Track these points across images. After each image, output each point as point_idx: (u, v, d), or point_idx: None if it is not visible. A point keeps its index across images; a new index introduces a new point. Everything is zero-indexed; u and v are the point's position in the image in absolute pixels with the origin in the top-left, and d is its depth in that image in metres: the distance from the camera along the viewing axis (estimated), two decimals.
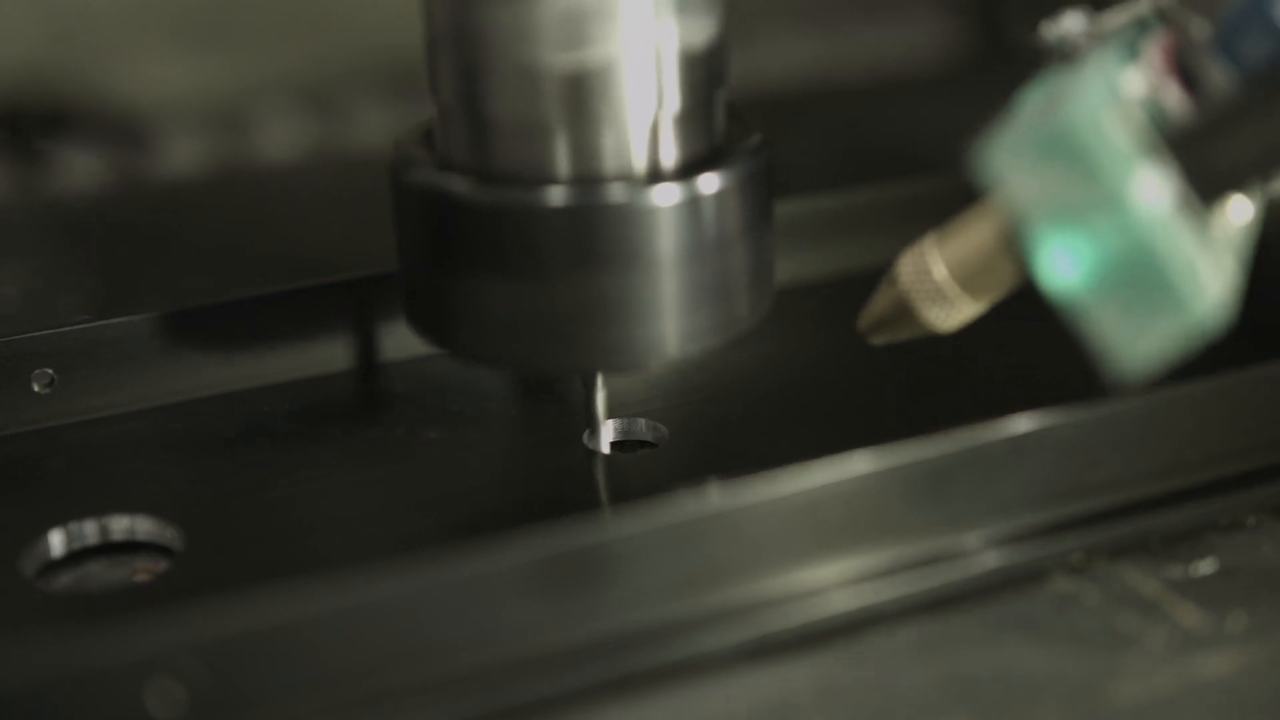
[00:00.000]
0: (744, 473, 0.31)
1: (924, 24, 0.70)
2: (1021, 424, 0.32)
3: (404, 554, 0.29)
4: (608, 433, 0.35)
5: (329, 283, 0.39)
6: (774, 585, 0.31)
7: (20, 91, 0.62)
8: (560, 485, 0.34)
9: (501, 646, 0.29)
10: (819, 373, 0.39)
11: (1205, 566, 0.32)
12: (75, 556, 0.33)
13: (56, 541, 0.33)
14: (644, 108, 0.31)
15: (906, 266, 0.31)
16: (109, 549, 0.33)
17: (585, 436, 0.36)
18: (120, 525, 0.33)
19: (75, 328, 0.37)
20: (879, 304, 0.32)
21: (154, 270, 0.46)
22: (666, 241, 0.31)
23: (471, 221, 0.31)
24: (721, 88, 0.32)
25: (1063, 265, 0.29)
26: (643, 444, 0.36)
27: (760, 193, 0.33)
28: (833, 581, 0.31)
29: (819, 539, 0.31)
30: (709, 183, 0.31)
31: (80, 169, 0.60)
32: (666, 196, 0.31)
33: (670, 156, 0.31)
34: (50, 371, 0.36)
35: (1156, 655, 0.30)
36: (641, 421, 0.36)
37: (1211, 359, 0.34)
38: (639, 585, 0.30)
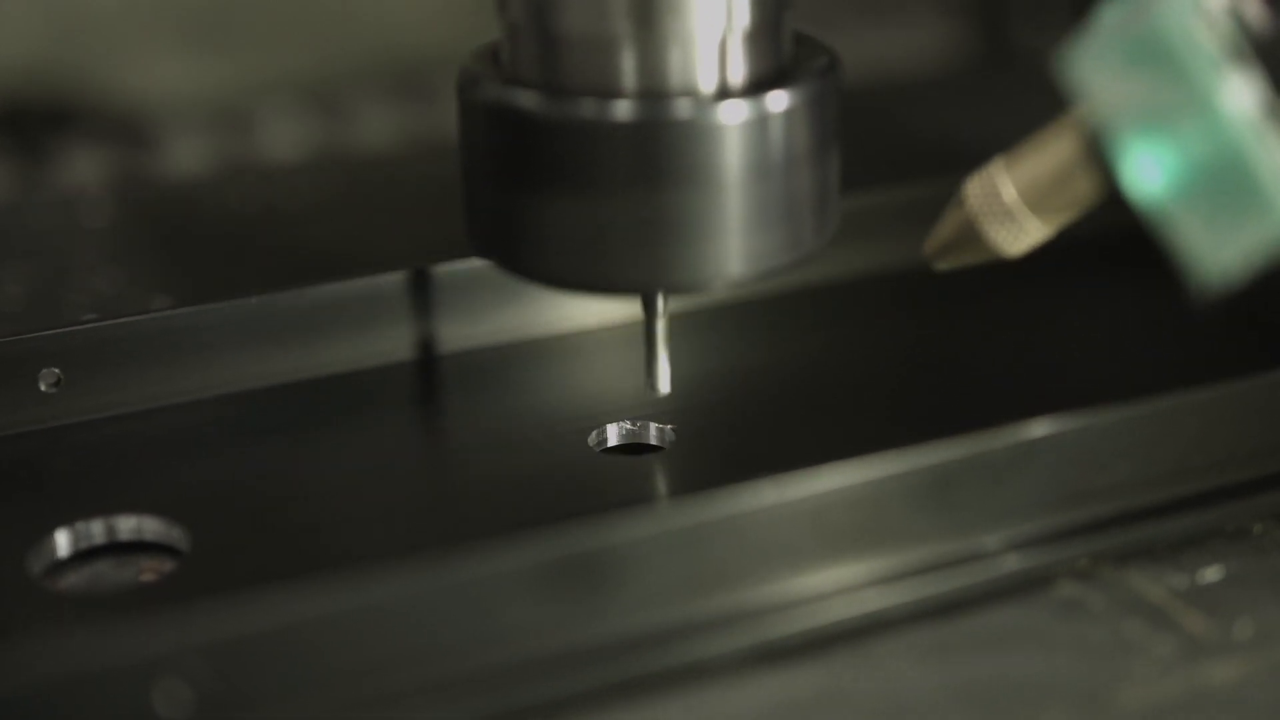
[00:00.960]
0: (750, 477, 0.31)
1: (926, 26, 0.70)
2: (1028, 429, 0.32)
3: (410, 555, 0.29)
4: (665, 366, 0.35)
5: (333, 284, 0.38)
6: (780, 590, 0.31)
7: (23, 90, 0.62)
8: (567, 488, 0.34)
9: (507, 648, 0.29)
10: (826, 377, 0.39)
11: (1212, 573, 0.32)
12: (82, 556, 0.33)
13: (63, 541, 0.33)
14: (712, 23, 0.31)
15: (974, 188, 0.32)
16: (116, 549, 0.33)
17: (591, 438, 0.36)
18: (127, 525, 0.33)
19: (82, 327, 0.37)
20: (945, 227, 0.33)
21: (160, 269, 0.46)
22: (732, 159, 0.31)
23: (538, 135, 0.31)
24: (789, 8, 0.33)
25: (1148, 172, 0.29)
26: (650, 448, 0.36)
27: (827, 114, 0.33)
28: (839, 586, 0.31)
29: (825, 544, 0.31)
30: (776, 101, 0.32)
31: (83, 167, 0.60)
32: (733, 113, 0.31)
33: (738, 74, 0.32)
34: (57, 371, 0.36)
35: (1163, 662, 0.30)
36: (650, 425, 0.36)
37: (1218, 365, 0.34)
38: (645, 589, 0.30)
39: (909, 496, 0.31)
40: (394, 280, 0.39)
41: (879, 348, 0.40)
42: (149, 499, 0.34)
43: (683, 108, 0.31)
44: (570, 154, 0.31)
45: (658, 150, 0.31)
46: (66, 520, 0.33)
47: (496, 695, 0.29)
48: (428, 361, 0.39)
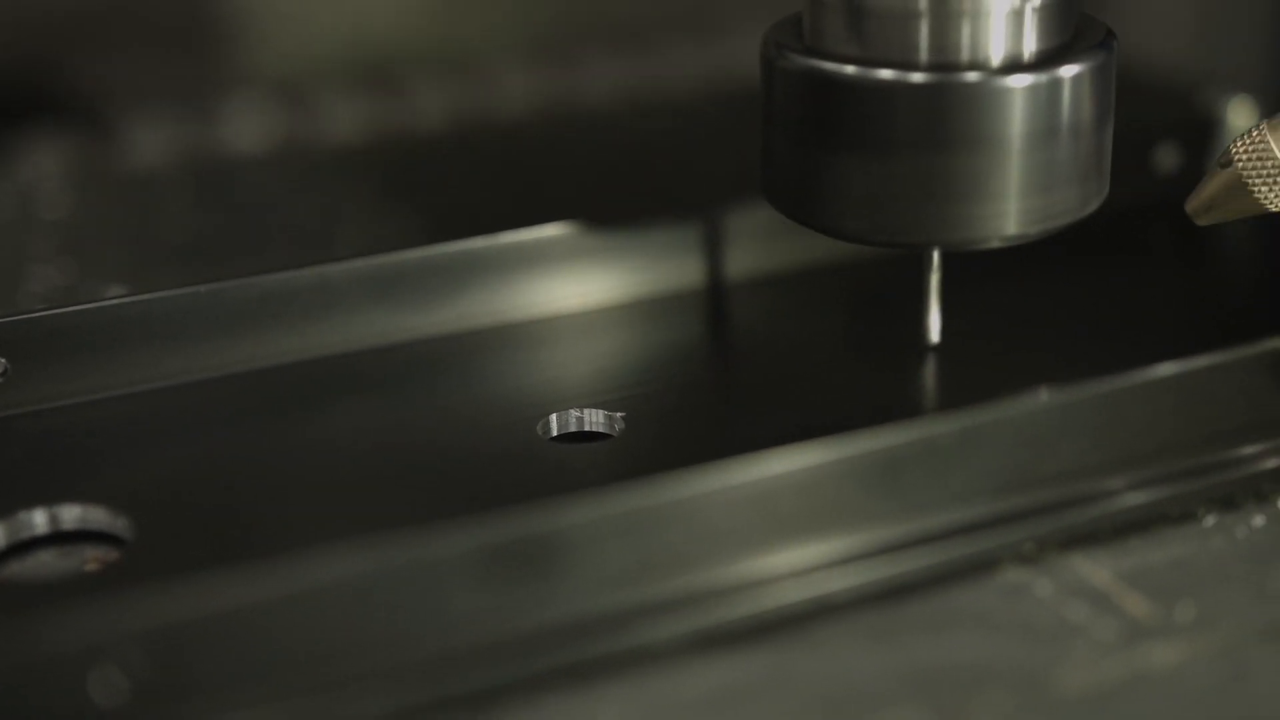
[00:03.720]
0: (696, 463, 0.31)
1: None
2: (974, 414, 0.32)
3: (354, 541, 0.29)
4: (937, 319, 0.38)
5: (283, 273, 0.38)
6: (727, 574, 0.31)
7: None
8: (515, 476, 0.34)
9: (452, 633, 0.29)
10: (774, 363, 0.39)
11: (1156, 558, 0.33)
12: (25, 546, 0.33)
13: (4, 531, 0.33)
14: (1004, 1, 0.34)
15: (1241, 149, 0.34)
16: (60, 538, 0.33)
17: (540, 426, 0.36)
18: (71, 514, 0.33)
19: (30, 316, 0.37)
20: (1210, 187, 0.35)
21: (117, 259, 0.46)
22: (1013, 126, 0.34)
23: (842, 100, 0.34)
24: None
25: None
26: (600, 435, 0.36)
27: (1105, 87, 0.35)
28: (786, 571, 0.31)
29: (772, 528, 0.31)
30: (1060, 71, 0.34)
31: (47, 157, 0.59)
32: (1021, 81, 0.34)
33: (1023, 46, 0.34)
34: (3, 360, 0.36)
35: (1104, 645, 0.30)
36: (599, 413, 0.36)
37: (1163, 350, 0.34)
38: (590, 574, 0.30)
39: (856, 481, 0.32)
40: (344, 269, 0.39)
41: (826, 335, 0.40)
42: (95, 488, 0.33)
43: (977, 74, 0.34)
44: (871, 117, 0.34)
45: (950, 113, 0.34)
46: (10, 510, 0.33)
47: (441, 680, 0.29)
48: (376, 351, 0.39)
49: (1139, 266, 0.43)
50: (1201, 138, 0.47)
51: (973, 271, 0.39)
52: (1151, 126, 0.46)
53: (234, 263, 0.46)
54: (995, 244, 0.35)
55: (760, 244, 0.42)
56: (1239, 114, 0.47)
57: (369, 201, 0.50)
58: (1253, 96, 0.48)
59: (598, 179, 0.51)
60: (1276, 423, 0.34)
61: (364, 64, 0.66)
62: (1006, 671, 0.30)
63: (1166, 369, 0.33)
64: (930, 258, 0.38)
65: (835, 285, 0.42)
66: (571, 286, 0.40)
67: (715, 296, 0.42)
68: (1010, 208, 0.34)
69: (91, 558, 0.32)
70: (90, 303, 0.37)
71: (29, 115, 0.61)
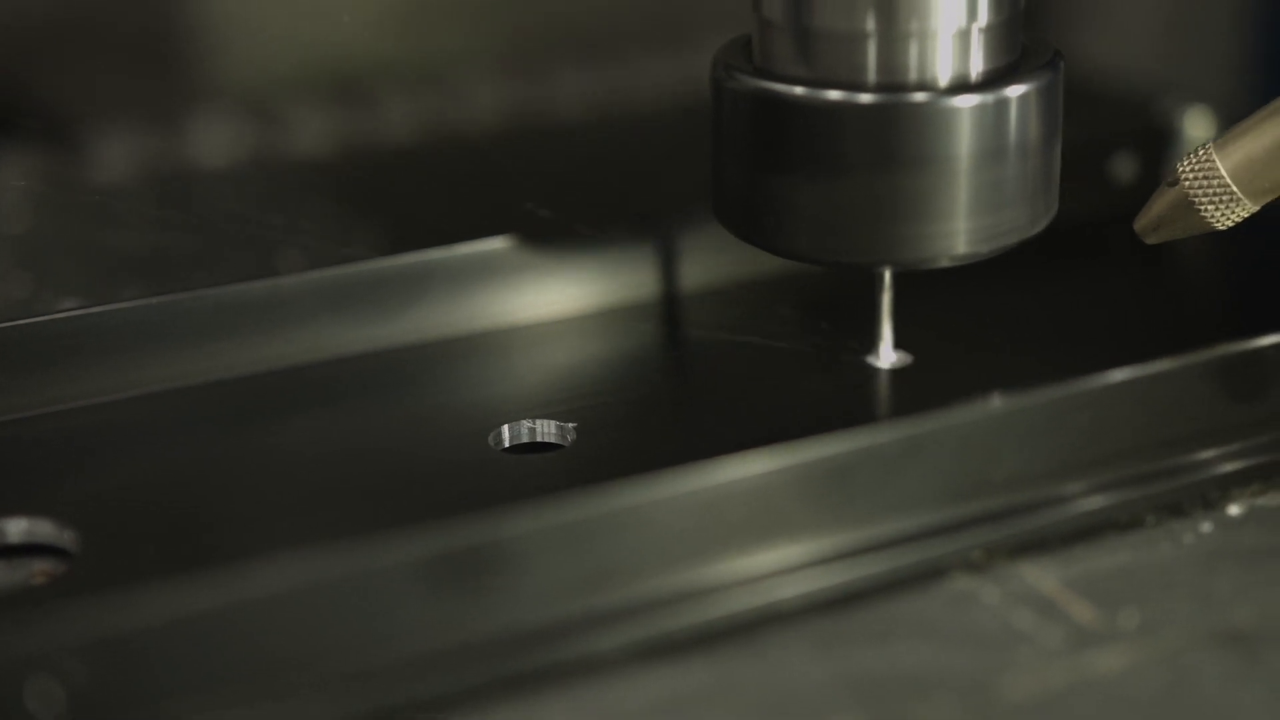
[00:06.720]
0: (642, 472, 0.31)
1: None
2: (921, 422, 0.32)
3: (302, 551, 0.29)
4: (889, 338, 0.38)
5: (236, 285, 0.38)
6: (673, 583, 0.31)
7: None
8: (465, 487, 0.34)
9: (397, 644, 0.29)
10: (725, 373, 0.39)
11: (1103, 564, 0.33)
12: None
13: None
14: (949, 22, 0.34)
15: (1188, 169, 0.34)
16: (7, 552, 0.33)
17: (491, 437, 0.36)
18: (17, 528, 0.33)
19: None
20: (1158, 206, 0.35)
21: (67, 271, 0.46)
22: (960, 145, 0.34)
23: (790, 121, 0.34)
24: (1020, 9, 0.36)
25: None
26: (552, 446, 0.36)
27: (1052, 106, 0.35)
28: (733, 579, 0.31)
29: (720, 537, 0.31)
30: (1006, 91, 0.34)
31: (5, 169, 0.59)
32: (968, 101, 0.34)
33: (976, 65, 0.35)
34: None
35: (1050, 652, 0.30)
36: (551, 424, 0.36)
37: (1108, 358, 0.34)
38: (540, 583, 0.30)
39: (805, 489, 0.32)
40: (297, 281, 0.39)
41: (780, 345, 0.40)
42: (43, 502, 0.33)
43: (925, 95, 0.34)
44: (821, 138, 0.34)
45: (898, 133, 0.34)
46: None
47: (387, 690, 0.29)
48: (328, 363, 0.39)
49: (1092, 275, 0.43)
50: (1159, 147, 0.47)
51: (924, 281, 0.39)
52: (1108, 136, 0.46)
53: (196, 277, 0.45)
54: (945, 263, 0.35)
55: (716, 255, 0.42)
56: (1196, 124, 0.48)
57: (335, 213, 0.50)
58: (1210, 107, 0.48)
59: (563, 190, 0.51)
60: (1224, 429, 0.35)
61: (331, 77, 0.66)
62: (952, 679, 0.30)
63: (1114, 376, 0.34)
64: (882, 277, 0.38)
65: (790, 296, 0.42)
66: (524, 298, 0.40)
67: (670, 307, 0.42)
68: (960, 227, 0.35)
69: (38, 571, 0.32)
70: (41, 315, 0.37)
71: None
